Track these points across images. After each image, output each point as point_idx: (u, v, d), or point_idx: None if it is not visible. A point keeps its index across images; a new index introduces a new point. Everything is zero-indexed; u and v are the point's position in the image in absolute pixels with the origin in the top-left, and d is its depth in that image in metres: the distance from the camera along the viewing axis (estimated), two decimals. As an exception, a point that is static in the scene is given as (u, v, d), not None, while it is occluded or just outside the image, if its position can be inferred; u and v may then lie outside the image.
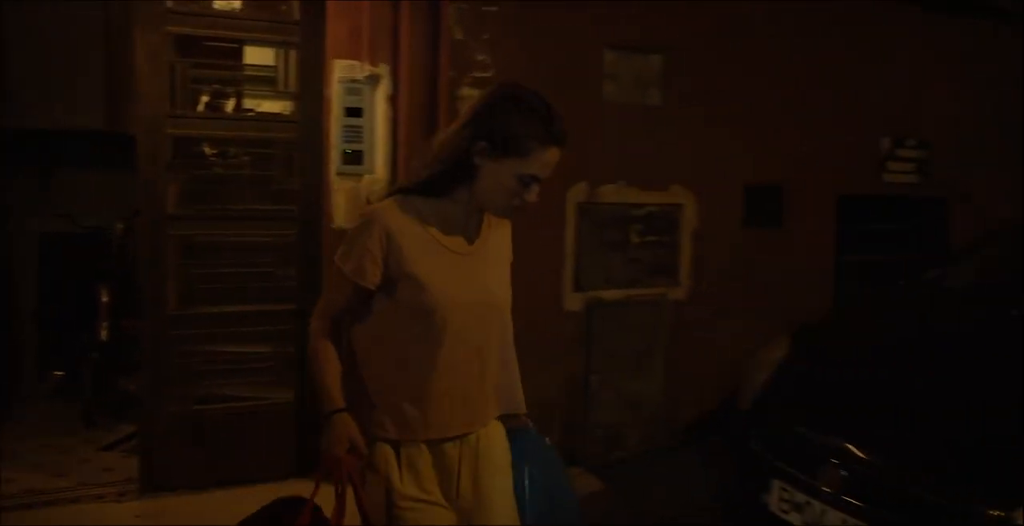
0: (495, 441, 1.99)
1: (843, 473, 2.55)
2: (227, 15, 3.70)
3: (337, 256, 1.88)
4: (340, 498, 1.82)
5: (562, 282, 4.04)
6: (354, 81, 3.62)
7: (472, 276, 1.91)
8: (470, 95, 3.64)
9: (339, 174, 3.65)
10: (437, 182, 1.87)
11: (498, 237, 2.00)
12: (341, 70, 3.61)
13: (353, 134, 3.65)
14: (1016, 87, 5.37)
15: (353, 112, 3.64)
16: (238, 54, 4.23)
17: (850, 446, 2.62)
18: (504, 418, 2.06)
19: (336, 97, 3.62)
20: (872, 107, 4.93)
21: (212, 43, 3.79)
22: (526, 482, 2.01)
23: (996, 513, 2.21)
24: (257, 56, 4.41)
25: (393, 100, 3.65)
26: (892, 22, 4.91)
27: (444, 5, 3.62)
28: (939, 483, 2.39)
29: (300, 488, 1.97)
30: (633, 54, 4.12)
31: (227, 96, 4.31)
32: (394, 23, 3.60)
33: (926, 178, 5.15)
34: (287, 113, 3.96)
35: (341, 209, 3.65)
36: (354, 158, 3.65)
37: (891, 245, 5.16)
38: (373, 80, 3.63)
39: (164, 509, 3.47)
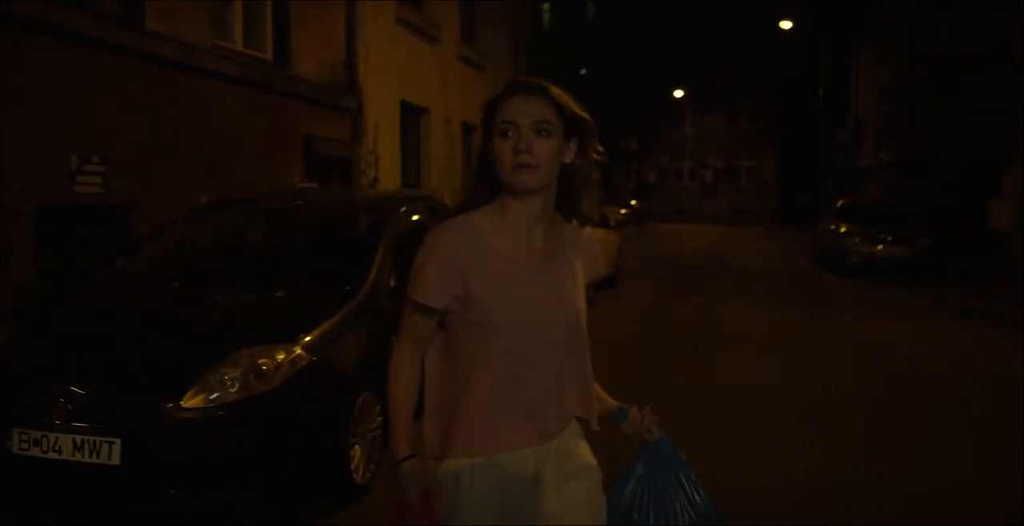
0: (570, 448, 1.95)
1: (69, 407, 3.42)
2: None
3: (408, 286, 1.88)
4: None
5: None
6: None
7: (542, 290, 1.89)
8: None
9: None
10: (477, 190, 1.90)
11: (572, 246, 1.97)
12: None
13: None
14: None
15: None
16: None
17: (72, 387, 3.49)
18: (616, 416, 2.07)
19: None
20: (63, 130, 5.72)
21: None
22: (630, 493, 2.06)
23: (170, 405, 3.50)
24: None
25: None
26: (74, 62, 5.82)
27: None
28: (133, 395, 3.56)
29: None
30: None
31: None
32: None
33: (109, 188, 5.97)
34: None
35: None
36: None
37: (91, 244, 6.10)
38: None
39: None
